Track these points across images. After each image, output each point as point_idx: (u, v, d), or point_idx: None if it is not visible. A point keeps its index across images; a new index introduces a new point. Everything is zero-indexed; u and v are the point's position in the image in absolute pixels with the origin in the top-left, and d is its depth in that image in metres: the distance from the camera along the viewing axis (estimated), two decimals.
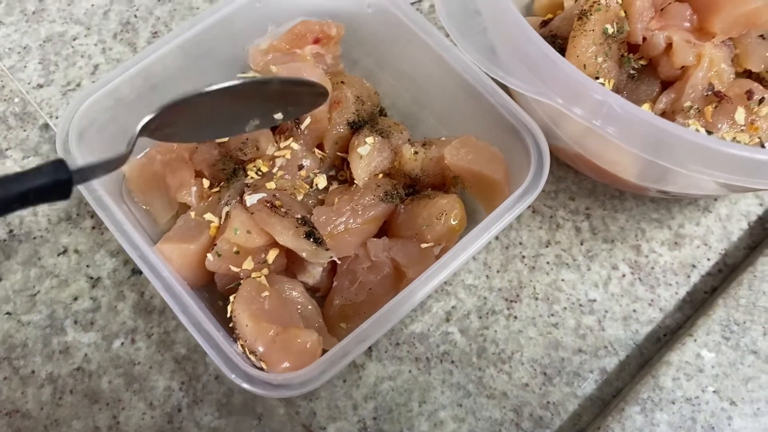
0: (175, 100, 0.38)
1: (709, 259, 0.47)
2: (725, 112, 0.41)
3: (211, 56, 0.48)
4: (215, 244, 0.41)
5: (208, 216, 0.42)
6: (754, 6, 0.40)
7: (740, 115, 0.40)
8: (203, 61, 0.48)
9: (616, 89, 0.44)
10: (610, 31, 0.43)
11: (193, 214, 0.43)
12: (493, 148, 0.44)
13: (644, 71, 0.44)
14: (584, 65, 0.43)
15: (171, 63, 0.46)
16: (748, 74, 0.44)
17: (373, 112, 0.49)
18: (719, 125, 0.41)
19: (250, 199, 0.42)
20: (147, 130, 0.38)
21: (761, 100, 0.40)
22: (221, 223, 0.42)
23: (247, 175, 0.45)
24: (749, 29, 0.42)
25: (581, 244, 0.48)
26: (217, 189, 0.44)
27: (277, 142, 0.46)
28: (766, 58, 0.43)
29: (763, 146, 0.40)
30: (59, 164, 0.34)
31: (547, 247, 0.48)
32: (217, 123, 0.41)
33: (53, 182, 0.33)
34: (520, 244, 0.48)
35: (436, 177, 0.45)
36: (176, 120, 0.39)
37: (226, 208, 0.43)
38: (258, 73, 0.47)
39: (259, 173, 0.45)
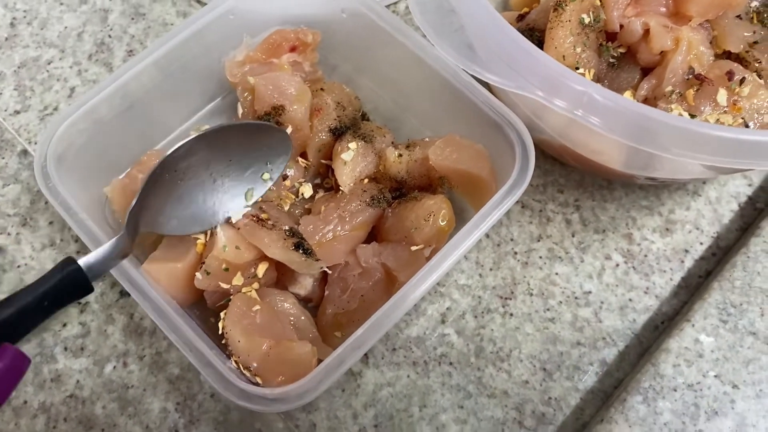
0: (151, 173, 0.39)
1: (701, 243, 0.47)
2: (707, 94, 0.40)
3: (188, 71, 0.48)
4: (203, 262, 0.40)
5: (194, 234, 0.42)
6: None
7: (722, 96, 0.40)
8: (180, 76, 0.47)
9: (597, 78, 0.44)
10: (587, 20, 0.43)
11: None
12: (477, 145, 0.44)
13: (624, 59, 0.44)
14: (563, 56, 0.43)
15: (147, 80, 0.46)
16: (728, 55, 0.43)
17: (355, 117, 0.48)
18: (702, 108, 0.40)
19: (236, 215, 0.41)
20: (137, 221, 0.39)
21: (742, 80, 0.40)
22: (207, 239, 0.42)
23: None
24: (725, 10, 0.42)
25: (573, 236, 0.47)
26: None
27: None
28: (744, 38, 0.43)
29: (747, 126, 0.40)
30: (68, 263, 0.36)
31: (538, 241, 0.47)
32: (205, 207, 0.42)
33: (70, 283, 0.36)
34: (512, 240, 0.47)
35: (422, 178, 0.45)
36: (164, 208, 0.40)
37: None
38: (235, 86, 0.47)
39: None
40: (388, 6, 0.53)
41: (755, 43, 0.43)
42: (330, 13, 0.48)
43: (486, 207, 0.39)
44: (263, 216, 0.41)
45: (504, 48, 0.36)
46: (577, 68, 0.43)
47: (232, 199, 0.42)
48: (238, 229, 0.41)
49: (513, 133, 0.41)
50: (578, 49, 0.43)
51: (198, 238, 0.41)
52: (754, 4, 0.45)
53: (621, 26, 0.43)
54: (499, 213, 0.39)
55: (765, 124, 0.40)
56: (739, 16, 0.44)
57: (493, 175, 0.43)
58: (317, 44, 0.48)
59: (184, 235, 0.41)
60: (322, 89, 0.48)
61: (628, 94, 0.42)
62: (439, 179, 0.44)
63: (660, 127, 0.34)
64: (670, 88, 0.41)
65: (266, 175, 0.43)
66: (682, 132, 0.34)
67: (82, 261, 0.37)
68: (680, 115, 0.40)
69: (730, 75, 0.40)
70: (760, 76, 0.42)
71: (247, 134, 0.42)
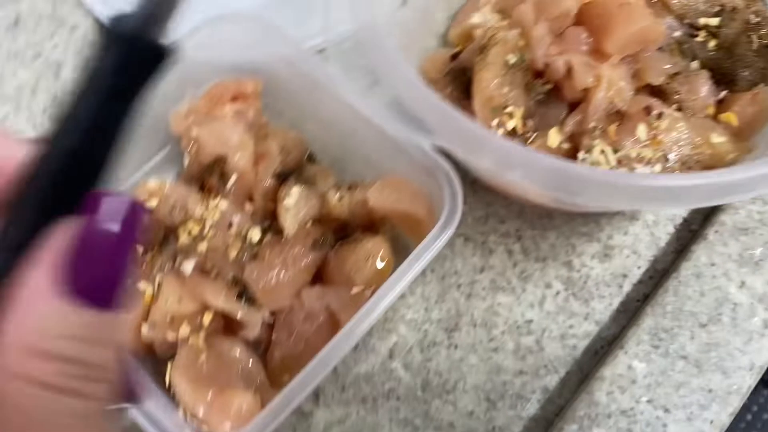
0: None
1: (639, 267, 0.48)
2: (628, 129, 0.42)
3: (145, 119, 0.49)
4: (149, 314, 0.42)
5: (142, 285, 0.43)
6: (643, 25, 0.42)
7: (642, 131, 0.41)
8: (146, 120, 0.49)
9: (527, 115, 0.45)
10: (512, 61, 0.44)
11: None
12: (415, 185, 0.45)
13: (552, 95, 0.45)
14: (490, 97, 0.44)
15: None
16: (651, 88, 0.45)
17: (300, 160, 0.50)
18: (624, 143, 0.42)
19: (186, 267, 0.43)
20: None
21: (660, 115, 0.42)
22: (155, 291, 0.43)
23: (179, 239, 0.46)
24: (642, 46, 0.43)
25: (514, 266, 0.49)
26: (150, 256, 0.45)
27: (205, 201, 0.47)
28: (665, 70, 0.44)
29: (667, 159, 0.41)
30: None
31: (481, 273, 0.49)
32: None
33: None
34: (455, 273, 0.49)
35: (365, 219, 0.47)
36: None
37: (159, 276, 0.44)
38: (180, 138, 0.48)
39: (191, 235, 0.46)
40: (320, 51, 0.54)
41: (676, 74, 0.45)
42: (269, 61, 0.49)
43: (416, 250, 0.41)
44: (207, 266, 0.43)
45: (420, 108, 0.37)
46: (506, 107, 0.44)
47: None
48: (183, 281, 0.42)
49: (443, 178, 0.42)
50: (505, 89, 0.44)
51: (146, 291, 0.43)
52: (677, 34, 0.46)
53: (546, 65, 0.44)
54: (429, 255, 0.41)
55: (684, 155, 0.42)
56: (661, 48, 0.45)
57: (431, 214, 0.45)
58: (259, 92, 0.50)
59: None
60: (267, 135, 0.49)
61: (554, 130, 0.44)
62: (381, 219, 0.46)
63: (576, 178, 0.36)
64: (593, 123, 0.43)
65: None
66: (598, 183, 0.35)
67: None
68: (603, 150, 0.42)
69: (648, 110, 0.42)
70: (680, 108, 0.44)
71: None
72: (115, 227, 0.18)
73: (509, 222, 0.50)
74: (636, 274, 0.48)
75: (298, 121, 0.53)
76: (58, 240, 0.17)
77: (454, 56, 0.49)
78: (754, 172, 0.35)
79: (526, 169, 0.36)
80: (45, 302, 0.17)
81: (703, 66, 0.46)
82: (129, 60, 0.22)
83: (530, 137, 0.45)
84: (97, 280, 0.18)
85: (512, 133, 0.45)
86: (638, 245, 0.49)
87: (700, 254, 0.46)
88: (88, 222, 0.18)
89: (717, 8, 0.46)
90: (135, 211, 0.19)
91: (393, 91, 0.38)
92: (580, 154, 0.42)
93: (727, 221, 0.46)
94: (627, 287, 0.48)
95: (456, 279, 0.49)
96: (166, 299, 0.41)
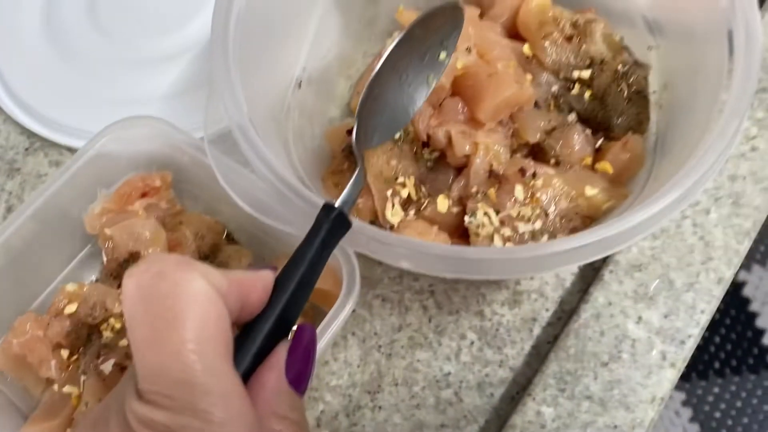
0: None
1: (547, 310, 0.51)
2: (506, 191, 0.44)
3: (63, 220, 0.51)
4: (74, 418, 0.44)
5: (67, 388, 0.45)
6: (509, 93, 0.44)
7: (519, 191, 0.44)
8: (57, 225, 0.51)
9: (420, 182, 0.48)
10: (397, 135, 0.47)
11: (56, 387, 0.46)
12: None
13: (440, 161, 0.48)
14: (380, 171, 0.47)
15: (27, 233, 0.50)
16: (531, 145, 0.47)
17: (216, 242, 0.52)
18: (505, 204, 0.44)
19: (106, 367, 0.45)
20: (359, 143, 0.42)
21: (534, 174, 0.44)
22: (81, 391, 0.45)
23: (102, 337, 0.48)
24: (513, 110, 0.46)
25: (429, 321, 0.51)
26: (75, 357, 0.47)
27: None
28: (541, 127, 0.47)
29: (547, 214, 0.44)
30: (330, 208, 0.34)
31: (399, 331, 0.51)
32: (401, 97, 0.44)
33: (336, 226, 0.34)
34: (375, 334, 0.51)
35: None
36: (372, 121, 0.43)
37: (84, 377, 0.46)
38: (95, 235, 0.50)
39: (113, 331, 0.48)
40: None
41: (553, 129, 0.47)
42: (178, 153, 0.52)
43: (320, 327, 0.43)
44: (127, 363, 0.45)
45: (289, 208, 0.40)
46: (397, 178, 0.47)
47: (416, 90, 0.45)
48: (104, 380, 0.44)
49: (342, 255, 0.45)
50: (394, 162, 0.47)
51: (72, 392, 0.45)
52: (554, 89, 0.49)
53: (429, 136, 0.47)
54: (328, 336, 0.43)
55: (563, 209, 0.44)
56: (537, 104, 0.48)
57: (338, 286, 0.47)
58: (170, 183, 0.52)
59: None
60: (181, 222, 0.52)
61: (442, 197, 0.46)
62: None
63: (461, 259, 0.38)
64: (475, 188, 0.45)
65: (442, 54, 0.44)
66: (472, 261, 0.38)
67: (339, 203, 0.36)
68: (486, 212, 0.44)
69: (522, 171, 0.44)
70: (558, 162, 0.47)
71: (420, 24, 0.44)
72: (307, 346, 0.30)
73: (422, 278, 0.53)
74: (545, 317, 0.51)
75: (214, 204, 0.55)
76: (282, 352, 0.29)
77: (350, 131, 0.52)
78: (625, 225, 0.37)
79: (411, 260, 0.38)
80: (280, 385, 0.28)
81: (580, 117, 0.49)
82: (337, 231, 0.35)
83: (424, 203, 0.48)
84: (300, 376, 0.29)
85: (407, 201, 0.48)
86: (545, 288, 0.51)
87: (598, 295, 0.48)
88: (295, 343, 0.30)
89: (588, 61, 0.49)
90: (314, 334, 0.31)
91: (265, 188, 0.40)
92: (466, 218, 0.45)
93: (621, 260, 0.49)
94: (537, 330, 0.50)
95: (376, 340, 0.51)
96: (85, 401, 0.43)
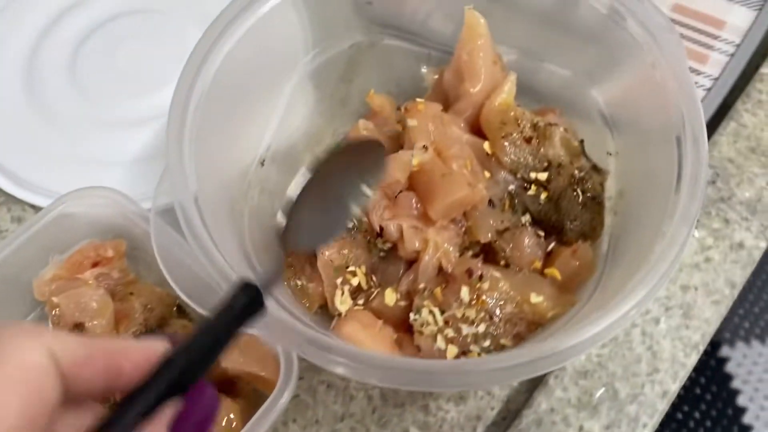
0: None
1: (493, 408, 0.50)
2: (453, 291, 0.44)
3: (14, 283, 0.51)
4: None
5: None
6: (461, 195, 0.45)
7: (465, 292, 0.44)
8: (8, 286, 0.51)
9: (371, 271, 0.48)
10: (350, 224, 0.47)
11: None
12: (264, 346, 0.47)
13: (392, 252, 0.48)
14: (331, 259, 0.47)
15: None
16: (482, 243, 0.47)
17: (165, 315, 0.52)
18: (451, 303, 0.44)
19: None
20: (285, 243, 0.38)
21: (481, 276, 0.44)
22: None
23: None
24: (464, 210, 0.46)
25: (373, 412, 0.50)
26: None
27: None
28: (493, 227, 0.47)
29: (492, 318, 0.44)
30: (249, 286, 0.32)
31: (342, 421, 0.50)
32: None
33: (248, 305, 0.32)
34: (317, 422, 0.50)
35: (220, 378, 0.48)
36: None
37: None
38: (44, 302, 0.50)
39: None
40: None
41: (505, 230, 0.47)
42: (131, 223, 0.51)
43: (248, 425, 0.42)
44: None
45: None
46: (348, 266, 0.47)
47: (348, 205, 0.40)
48: None
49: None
50: (345, 251, 0.47)
51: None
52: (511, 187, 0.49)
53: (381, 227, 0.47)
54: (266, 425, 0.42)
55: (508, 314, 0.44)
56: (492, 203, 0.48)
57: (277, 374, 0.47)
58: (123, 252, 0.52)
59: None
60: (132, 293, 0.51)
61: (390, 290, 0.46)
62: (235, 377, 0.48)
63: (410, 371, 0.38)
64: (423, 284, 0.45)
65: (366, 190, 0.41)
66: (407, 371, 0.38)
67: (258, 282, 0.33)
68: (431, 311, 0.44)
69: (470, 272, 0.44)
70: (508, 264, 0.47)
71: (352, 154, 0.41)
72: (204, 407, 0.29)
73: None
74: (490, 415, 0.50)
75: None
76: (170, 411, 0.27)
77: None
78: (564, 345, 0.37)
79: (348, 368, 0.37)
80: None
81: (534, 218, 0.49)
82: (251, 305, 0.32)
83: (373, 293, 0.47)
84: None
85: (357, 290, 0.48)
86: (492, 386, 0.51)
87: (541, 400, 0.48)
88: (188, 403, 0.28)
89: (545, 163, 0.49)
90: (213, 397, 0.30)
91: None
92: (411, 315, 0.45)
93: (567, 366, 0.48)
94: (480, 429, 0.49)
95: (317, 429, 0.50)
96: None
